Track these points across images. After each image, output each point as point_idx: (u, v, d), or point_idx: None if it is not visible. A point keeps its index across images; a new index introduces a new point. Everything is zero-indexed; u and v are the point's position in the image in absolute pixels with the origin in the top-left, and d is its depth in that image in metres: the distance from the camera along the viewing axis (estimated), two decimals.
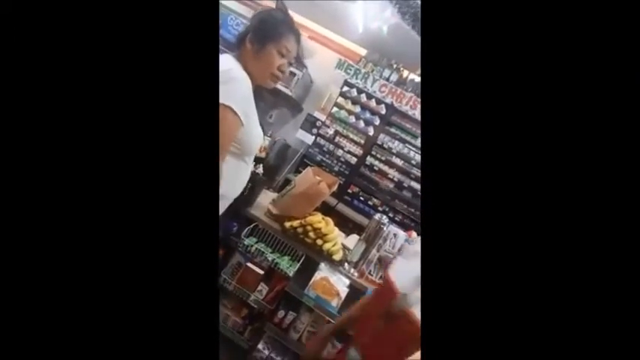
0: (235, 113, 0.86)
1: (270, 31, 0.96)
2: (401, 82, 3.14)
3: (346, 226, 2.81)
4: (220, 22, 3.17)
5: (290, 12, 1.03)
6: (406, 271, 0.76)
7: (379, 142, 3.19)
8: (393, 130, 3.18)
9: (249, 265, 1.46)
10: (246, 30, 0.98)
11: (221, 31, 3.18)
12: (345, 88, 3.20)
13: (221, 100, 0.83)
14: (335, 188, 1.47)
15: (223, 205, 1.02)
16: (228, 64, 0.92)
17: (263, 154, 2.89)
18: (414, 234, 1.53)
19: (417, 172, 3.14)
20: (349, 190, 3.25)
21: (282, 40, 0.96)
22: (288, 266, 1.42)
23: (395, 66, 3.14)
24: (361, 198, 3.24)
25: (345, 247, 1.57)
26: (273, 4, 3.49)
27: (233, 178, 0.98)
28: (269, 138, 3.04)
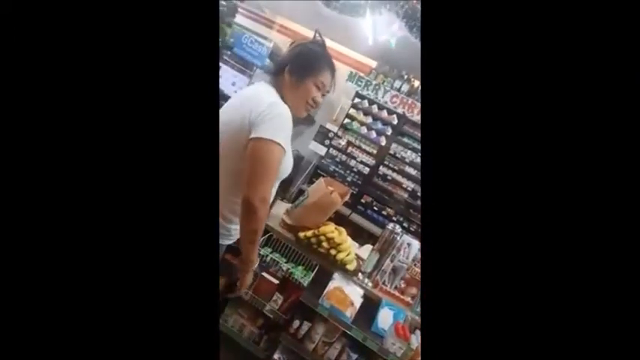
0: (281, 146, 0.90)
1: (309, 65, 0.99)
2: (412, 93, 3.16)
3: (360, 236, 2.81)
4: (234, 40, 3.31)
5: (326, 41, 1.05)
6: None
7: (392, 152, 3.20)
8: (405, 139, 3.19)
9: (265, 274, 1.48)
10: (285, 61, 1.01)
11: (236, 49, 3.32)
12: (357, 100, 3.25)
13: (268, 136, 0.87)
14: (347, 198, 1.49)
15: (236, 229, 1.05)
16: (270, 97, 0.94)
17: None
18: None
19: None
20: (362, 200, 3.26)
21: (320, 75, 0.99)
22: (303, 276, 1.44)
23: (405, 77, 3.17)
24: (374, 208, 3.24)
25: (358, 257, 1.57)
26: (288, 23, 3.62)
27: None
28: None
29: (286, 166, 0.99)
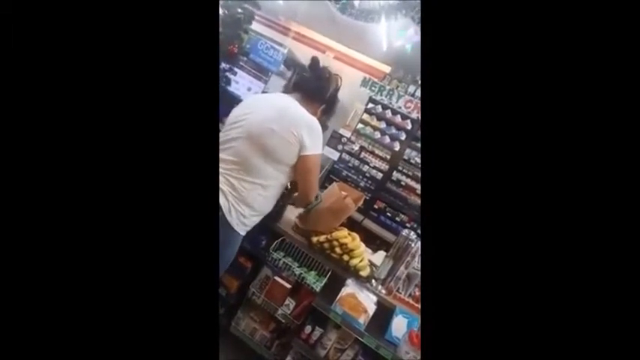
0: (321, 153, 1.15)
1: (316, 92, 1.22)
2: None
3: (373, 242, 2.78)
4: (250, 46, 3.38)
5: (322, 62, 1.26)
6: None
7: (406, 157, 3.16)
8: (419, 145, 3.14)
9: (277, 278, 1.48)
10: (296, 84, 1.24)
11: (252, 55, 3.38)
12: (370, 105, 3.24)
13: (317, 151, 1.12)
14: (361, 203, 1.48)
15: (255, 221, 1.19)
16: (304, 112, 1.13)
17: None
18: None
19: None
20: (375, 206, 3.23)
21: (325, 95, 1.24)
22: (315, 281, 1.43)
23: (420, 82, 3.14)
24: (388, 214, 3.20)
25: (372, 264, 1.55)
26: (303, 30, 3.66)
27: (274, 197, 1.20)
28: None
29: None
